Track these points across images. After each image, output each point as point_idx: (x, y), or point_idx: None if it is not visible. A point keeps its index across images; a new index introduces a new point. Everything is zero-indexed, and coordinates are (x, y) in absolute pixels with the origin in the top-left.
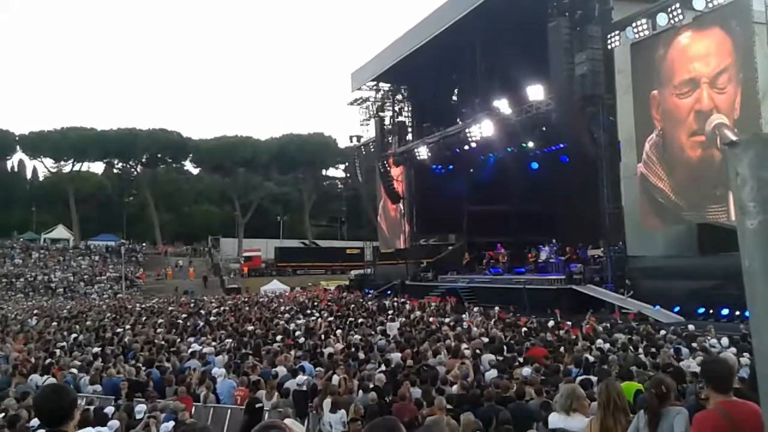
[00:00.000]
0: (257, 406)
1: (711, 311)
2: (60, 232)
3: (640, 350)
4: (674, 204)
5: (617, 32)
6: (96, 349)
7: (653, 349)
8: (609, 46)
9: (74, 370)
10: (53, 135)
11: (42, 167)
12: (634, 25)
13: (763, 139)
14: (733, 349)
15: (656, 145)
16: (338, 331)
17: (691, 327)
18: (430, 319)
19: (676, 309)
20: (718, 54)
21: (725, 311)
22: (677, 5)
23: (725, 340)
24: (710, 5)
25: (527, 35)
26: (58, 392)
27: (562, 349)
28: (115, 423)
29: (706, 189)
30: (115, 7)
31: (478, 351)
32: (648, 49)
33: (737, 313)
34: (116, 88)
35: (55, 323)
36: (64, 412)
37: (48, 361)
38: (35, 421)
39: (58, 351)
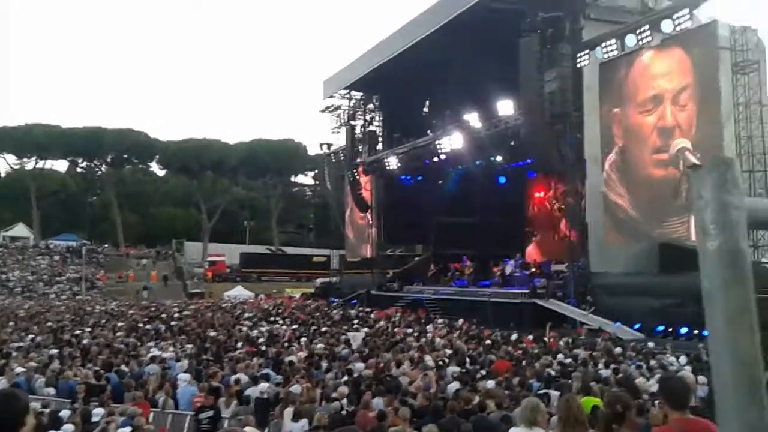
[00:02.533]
0: (200, 416)
1: (670, 329)
2: (20, 230)
3: (600, 366)
4: (634, 220)
5: (587, 51)
6: (53, 351)
7: (613, 365)
8: (578, 65)
9: (20, 369)
10: (16, 131)
11: (3, 163)
12: (603, 45)
13: (725, 163)
14: (690, 368)
15: (615, 163)
16: (302, 340)
17: (650, 344)
18: (395, 330)
19: (636, 326)
20: (680, 72)
21: (684, 330)
22: (646, 27)
23: (683, 359)
24: (678, 28)
25: (499, 50)
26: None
27: (524, 363)
28: (69, 427)
29: (666, 203)
30: (85, 5)
31: (441, 362)
32: (613, 69)
33: (696, 331)
34: (83, 86)
35: (12, 323)
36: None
37: (2, 362)
38: None
39: (14, 352)
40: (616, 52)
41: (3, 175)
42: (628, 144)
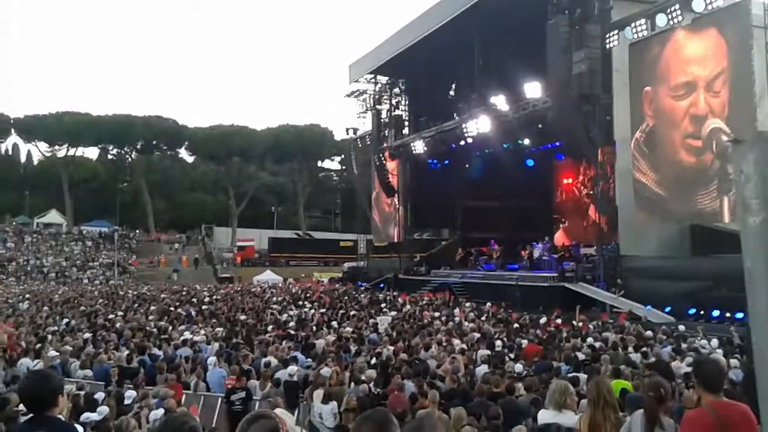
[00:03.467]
0: (232, 398)
1: (702, 312)
2: (53, 216)
3: (630, 349)
4: (658, 196)
5: (616, 32)
6: (87, 335)
7: (644, 348)
8: (607, 46)
9: (55, 353)
10: (48, 119)
11: (36, 151)
12: (633, 25)
13: (767, 138)
14: (722, 351)
15: (639, 142)
16: (331, 323)
17: (681, 327)
18: (423, 313)
19: (667, 309)
20: (715, 57)
21: (716, 313)
22: (676, 6)
23: (715, 342)
24: (710, 7)
25: (526, 32)
26: (41, 380)
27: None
28: (104, 409)
29: (694, 181)
30: None
31: (469, 345)
32: (644, 48)
33: (728, 314)
34: (113, 74)
35: (46, 308)
36: (47, 399)
37: (38, 345)
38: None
39: (49, 336)
40: (646, 33)
41: (35, 162)
42: (659, 124)
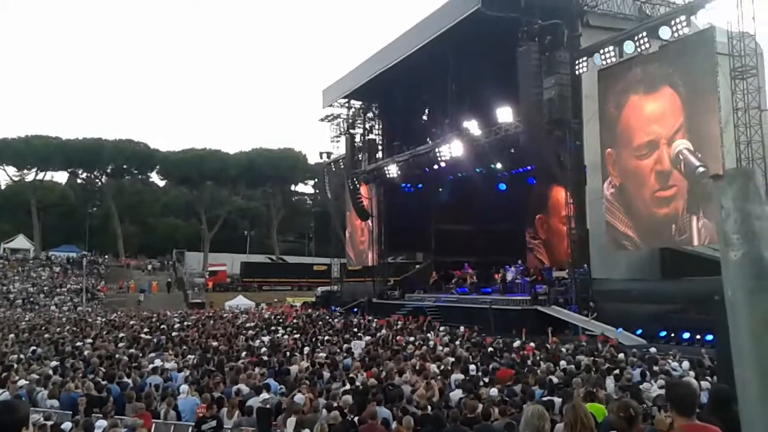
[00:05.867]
0: (203, 427)
1: (672, 334)
2: (20, 241)
3: (603, 371)
4: (630, 239)
5: (585, 58)
6: (55, 363)
7: (616, 371)
8: (577, 72)
9: (22, 381)
10: (16, 143)
11: (4, 175)
12: (601, 51)
13: (746, 173)
14: (693, 373)
15: (615, 196)
16: (304, 349)
17: (652, 350)
18: (397, 338)
19: (639, 332)
20: (673, 113)
21: (686, 335)
22: (644, 34)
23: (686, 364)
24: (676, 35)
25: (497, 58)
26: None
27: (526, 370)
28: None
29: (669, 238)
30: (84, 15)
31: (444, 370)
32: (612, 79)
33: (698, 336)
34: (82, 97)
35: (12, 335)
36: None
37: (4, 374)
38: None
39: (15, 364)
40: (614, 59)
41: (3, 186)
42: (626, 183)
